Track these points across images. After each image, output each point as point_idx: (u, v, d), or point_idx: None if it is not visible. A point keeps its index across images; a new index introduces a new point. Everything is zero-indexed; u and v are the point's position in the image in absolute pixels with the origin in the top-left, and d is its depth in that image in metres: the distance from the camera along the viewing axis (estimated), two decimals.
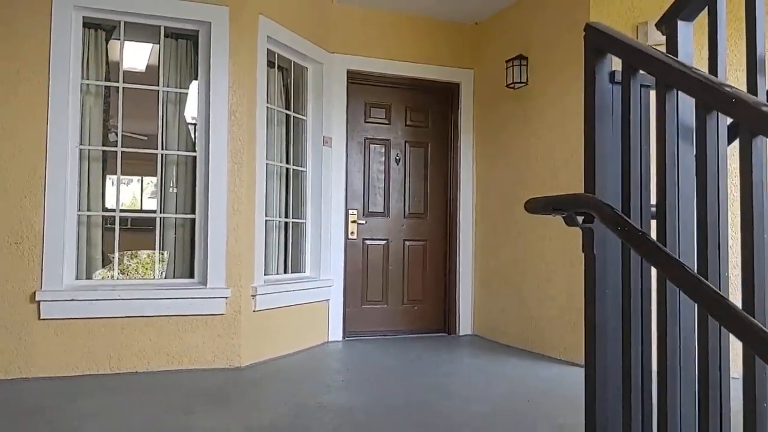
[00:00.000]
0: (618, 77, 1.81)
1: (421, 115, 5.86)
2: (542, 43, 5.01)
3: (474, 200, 5.83)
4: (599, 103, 1.81)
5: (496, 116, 5.55)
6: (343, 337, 5.37)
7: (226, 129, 4.22)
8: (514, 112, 5.31)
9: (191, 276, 4.24)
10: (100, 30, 4.19)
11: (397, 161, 5.74)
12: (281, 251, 5.05)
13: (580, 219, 1.80)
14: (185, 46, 4.37)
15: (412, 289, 5.75)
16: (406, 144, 5.80)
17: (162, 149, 4.31)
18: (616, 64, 1.82)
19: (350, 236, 5.49)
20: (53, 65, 3.89)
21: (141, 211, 10.88)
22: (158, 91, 4.27)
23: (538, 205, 1.92)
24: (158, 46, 4.26)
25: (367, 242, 5.62)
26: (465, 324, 5.77)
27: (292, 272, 5.05)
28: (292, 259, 5.10)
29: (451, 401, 3.52)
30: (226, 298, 4.15)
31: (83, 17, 4.04)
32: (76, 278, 3.99)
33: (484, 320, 5.66)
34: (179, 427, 2.96)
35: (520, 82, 5.13)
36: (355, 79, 5.52)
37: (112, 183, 4.15)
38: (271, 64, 4.72)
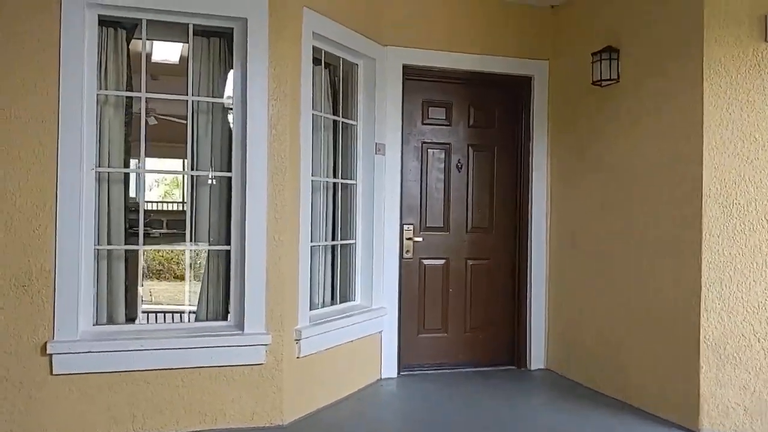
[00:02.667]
0: None
1: (486, 115, 5.11)
2: (638, 32, 4.19)
3: (548, 212, 5.08)
4: None
5: (578, 117, 4.76)
6: (398, 373, 4.73)
7: (266, 146, 3.57)
8: (600, 114, 4.52)
9: (225, 317, 3.64)
10: (120, 29, 3.56)
11: (459, 168, 5.03)
12: (328, 278, 4.42)
13: None
14: (218, 46, 3.72)
15: (475, 315, 5.07)
16: (469, 148, 5.07)
17: (192, 169, 3.69)
18: None
19: (405, 255, 4.82)
20: (64, 73, 3.28)
21: (169, 233, 8.46)
22: (187, 101, 3.63)
23: None
24: (187, 46, 3.61)
25: (425, 262, 4.95)
26: (537, 356, 5.06)
27: (340, 302, 4.42)
28: (340, 286, 4.46)
29: None
30: (266, 345, 3.54)
31: (98, 15, 3.41)
32: (95, 323, 3.43)
33: (559, 352, 4.95)
34: None
35: (609, 79, 4.33)
36: (411, 74, 4.80)
37: (134, 210, 3.51)
38: (316, 61, 4.04)
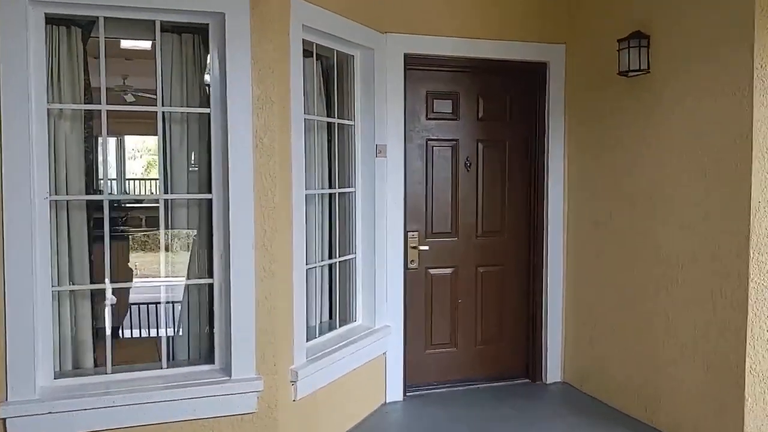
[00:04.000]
0: None
1: (497, 106, 4.58)
2: (673, 16, 3.66)
3: (565, 212, 4.60)
4: None
5: (600, 110, 4.25)
6: (404, 394, 4.30)
7: (251, 163, 3.05)
8: (626, 108, 4.00)
9: (210, 359, 3.17)
10: (74, 28, 2.99)
11: (468, 166, 4.52)
12: (326, 300, 3.96)
13: None
14: (192, 44, 3.17)
15: (487, 326, 4.63)
16: (479, 144, 4.56)
17: (165, 192, 3.17)
18: None
19: (410, 266, 4.35)
20: (4, 85, 2.73)
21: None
22: (156, 112, 3.09)
23: None
24: (155, 46, 3.05)
25: (431, 272, 4.48)
26: (553, 368, 4.65)
27: (339, 325, 3.95)
28: (339, 306, 3.99)
29: None
30: (257, 391, 3.08)
31: (45, 14, 2.84)
32: (56, 377, 2.94)
33: (578, 365, 4.54)
34: None
35: (639, 70, 3.81)
36: (414, 64, 4.26)
37: (95, 240, 3.01)
38: (306, 53, 3.50)
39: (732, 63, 3.24)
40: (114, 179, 14.39)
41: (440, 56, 4.29)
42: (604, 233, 4.22)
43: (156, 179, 5.47)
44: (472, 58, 4.35)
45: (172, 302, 3.44)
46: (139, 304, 5.36)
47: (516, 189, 4.63)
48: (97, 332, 3.13)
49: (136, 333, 5.31)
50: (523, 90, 4.61)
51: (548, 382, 4.63)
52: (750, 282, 3.18)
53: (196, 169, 3.22)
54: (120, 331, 5.13)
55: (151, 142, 12.36)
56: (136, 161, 16.67)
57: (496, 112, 4.57)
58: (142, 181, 15.55)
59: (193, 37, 3.16)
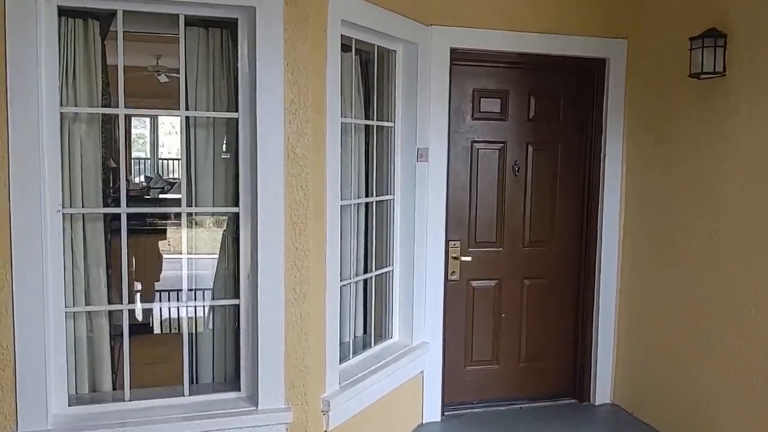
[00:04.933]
0: None
1: (549, 106, 4.21)
2: (754, 12, 3.24)
3: (621, 224, 4.22)
4: None
5: (666, 115, 3.84)
6: (442, 414, 4.01)
7: (282, 175, 2.76)
8: (697, 114, 3.60)
9: (235, 386, 2.91)
10: (92, 21, 2.72)
11: (516, 171, 4.17)
12: (360, 316, 3.68)
13: None
14: (220, 40, 2.87)
15: (532, 342, 4.30)
16: (528, 147, 4.20)
17: (190, 204, 2.91)
18: None
19: (451, 278, 4.03)
20: (12, 85, 2.47)
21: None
22: (180, 117, 2.81)
23: None
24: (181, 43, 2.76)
25: (473, 284, 4.16)
26: (602, 388, 4.30)
27: (375, 342, 3.66)
28: (374, 323, 3.70)
29: None
30: (286, 423, 2.82)
31: (58, 6, 2.57)
32: (71, 404, 2.71)
33: (630, 387, 4.19)
34: None
35: (713, 73, 3.40)
36: (460, 59, 3.91)
37: (116, 258, 2.76)
38: (344, 47, 3.19)
39: None
40: (147, 159, 14.13)
41: (489, 51, 3.93)
42: (665, 254, 3.84)
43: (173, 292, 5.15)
44: (524, 53, 3.98)
45: (195, 320, 3.18)
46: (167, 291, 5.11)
47: (568, 196, 4.27)
48: (114, 351, 2.89)
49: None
50: (580, 89, 4.23)
51: (596, 403, 4.30)
52: None
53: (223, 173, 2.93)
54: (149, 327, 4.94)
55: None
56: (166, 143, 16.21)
57: (549, 113, 4.20)
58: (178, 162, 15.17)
59: (221, 33, 2.86)
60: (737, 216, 3.32)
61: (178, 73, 2.76)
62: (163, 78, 8.25)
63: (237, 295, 2.86)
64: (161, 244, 5.44)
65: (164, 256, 5.74)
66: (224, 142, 2.94)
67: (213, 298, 2.98)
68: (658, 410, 3.90)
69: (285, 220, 2.77)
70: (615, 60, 4.12)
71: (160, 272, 5.64)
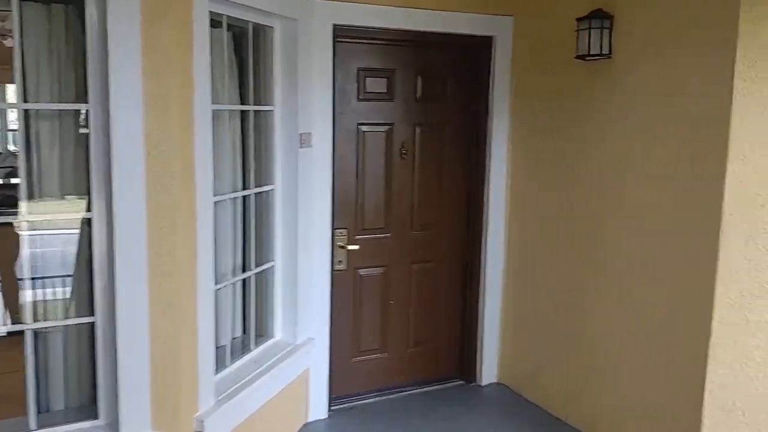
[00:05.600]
0: None
1: (437, 85, 4.07)
2: None
3: (507, 204, 4.19)
4: None
5: (552, 95, 3.80)
6: (329, 409, 3.87)
7: (142, 176, 2.42)
8: (583, 96, 3.58)
9: (93, 413, 2.59)
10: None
11: (403, 154, 4.01)
12: (238, 318, 3.42)
13: None
14: (64, 17, 2.46)
15: (420, 327, 4.24)
16: (416, 128, 4.05)
17: (33, 197, 2.51)
18: None
19: (338, 267, 3.86)
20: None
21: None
22: (17, 110, 2.39)
23: None
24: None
25: (361, 272, 4.01)
26: (489, 368, 4.33)
27: (256, 344, 3.43)
28: (255, 322, 3.46)
29: None
30: None
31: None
32: None
33: (514, 366, 4.24)
34: None
35: (599, 55, 3.36)
36: (344, 36, 3.66)
37: None
38: (214, 23, 2.86)
39: (708, 53, 2.84)
40: None
41: (374, 28, 3.70)
42: (548, 229, 3.86)
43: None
44: (410, 30, 3.78)
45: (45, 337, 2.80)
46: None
47: (455, 177, 4.18)
48: None
49: None
50: (468, 68, 4.10)
51: (483, 383, 4.32)
52: (716, 298, 2.86)
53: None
54: None
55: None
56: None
57: (437, 93, 4.06)
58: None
59: (66, 9, 2.45)
60: (614, 193, 3.35)
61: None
62: (8, 42, 7.36)
63: (92, 313, 2.52)
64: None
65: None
66: (75, 130, 2.55)
67: (66, 317, 2.62)
68: (542, 388, 3.97)
69: (147, 225, 2.45)
70: (501, 38, 4.02)
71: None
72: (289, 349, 3.48)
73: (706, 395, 2.91)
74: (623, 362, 3.36)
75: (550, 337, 3.87)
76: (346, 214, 3.87)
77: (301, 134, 3.45)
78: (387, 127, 3.95)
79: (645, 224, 3.21)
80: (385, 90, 3.91)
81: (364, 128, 3.88)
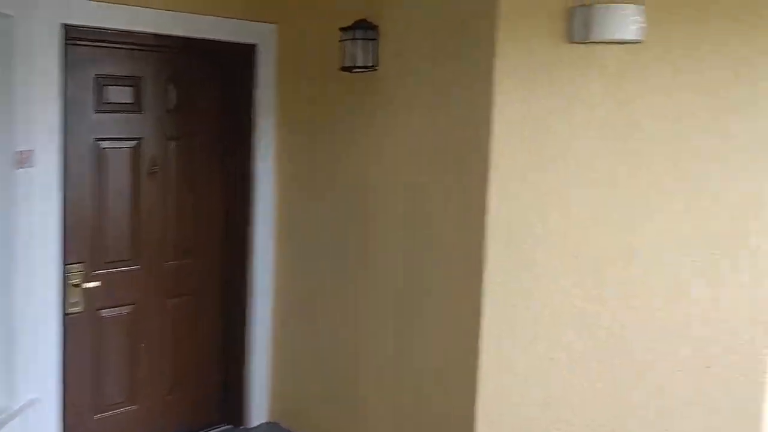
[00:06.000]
0: None
1: (194, 95, 3.63)
2: (403, 4, 3.09)
3: (276, 223, 3.87)
4: None
5: (320, 107, 3.54)
6: None
7: None
8: (351, 109, 3.37)
9: None
10: None
11: (154, 172, 3.51)
12: None
13: None
14: None
15: (178, 371, 3.74)
16: (169, 143, 3.56)
17: None
18: None
19: (71, 310, 3.23)
20: None
21: None
22: None
23: None
24: None
25: (103, 313, 3.42)
26: (259, 408, 3.94)
27: None
28: None
29: None
30: None
31: None
32: None
33: (287, 402, 3.92)
34: None
35: (364, 67, 3.17)
36: (77, 38, 3.06)
37: None
38: None
39: (468, 67, 2.77)
40: None
41: (115, 30, 3.15)
42: (319, 245, 3.61)
43: None
44: (160, 34, 3.29)
45: None
46: None
47: (215, 198, 3.77)
48: None
49: None
50: (229, 77, 3.71)
51: (253, 425, 3.95)
52: (484, 308, 2.75)
53: None
54: None
55: None
56: None
57: (194, 104, 3.61)
58: None
59: None
60: (386, 206, 3.21)
61: None
62: None
63: None
64: None
65: None
66: None
67: None
68: (316, 425, 3.71)
69: None
70: (265, 47, 3.69)
71: None
72: (2, 417, 2.79)
73: None
74: (390, 399, 3.21)
75: (324, 368, 3.62)
76: (83, 245, 3.26)
77: (21, 152, 2.79)
78: (134, 141, 3.41)
79: (416, 235, 3.07)
80: (131, 100, 3.37)
81: (104, 144, 3.29)
